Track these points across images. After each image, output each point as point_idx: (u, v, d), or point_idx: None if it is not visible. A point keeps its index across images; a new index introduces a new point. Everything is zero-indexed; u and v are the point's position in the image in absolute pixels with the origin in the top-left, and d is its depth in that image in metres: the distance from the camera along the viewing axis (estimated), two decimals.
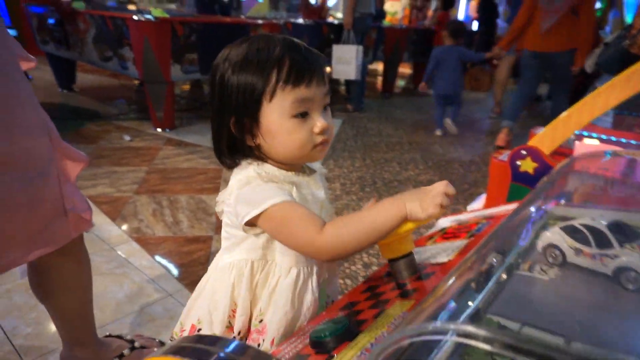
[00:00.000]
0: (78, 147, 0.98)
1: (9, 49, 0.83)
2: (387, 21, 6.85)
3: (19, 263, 0.87)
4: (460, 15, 10.54)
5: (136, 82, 5.24)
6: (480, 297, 0.55)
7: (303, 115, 0.66)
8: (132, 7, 5.01)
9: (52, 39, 4.30)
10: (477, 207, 1.46)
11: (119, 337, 1.29)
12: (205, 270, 0.82)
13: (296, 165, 0.75)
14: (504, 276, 0.61)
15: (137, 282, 1.63)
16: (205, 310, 0.74)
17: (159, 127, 3.60)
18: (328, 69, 4.71)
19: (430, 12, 8.06)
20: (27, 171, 0.83)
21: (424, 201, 0.59)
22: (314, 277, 0.74)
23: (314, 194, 0.74)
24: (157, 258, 1.79)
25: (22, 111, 0.82)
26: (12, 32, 3.01)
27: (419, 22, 7.39)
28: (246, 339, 0.74)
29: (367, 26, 4.50)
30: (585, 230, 0.63)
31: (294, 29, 4.49)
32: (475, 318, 0.51)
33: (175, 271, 1.71)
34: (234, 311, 0.73)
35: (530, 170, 1.32)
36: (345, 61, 4.47)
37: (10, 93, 0.81)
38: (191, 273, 1.69)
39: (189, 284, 1.62)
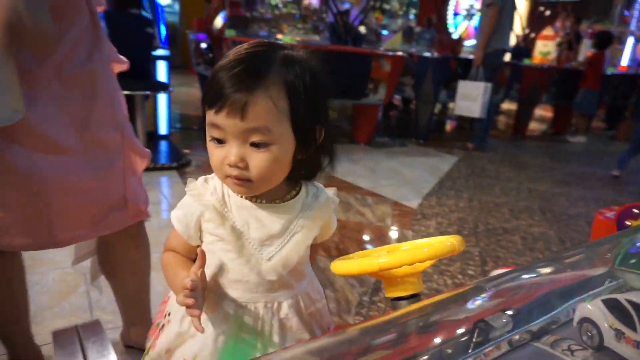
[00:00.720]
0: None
1: (102, 53, 0.96)
2: (536, 61, 6.36)
3: (81, 240, 0.98)
4: (625, 58, 9.28)
5: None
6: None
7: (219, 142, 0.59)
8: (280, 36, 5.52)
9: (203, 61, 4.95)
10: None
11: None
12: None
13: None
14: (511, 345, 0.49)
15: None
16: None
17: None
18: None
19: (588, 53, 7.26)
20: (95, 161, 0.93)
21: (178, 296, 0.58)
22: (233, 305, 0.66)
23: (259, 223, 0.64)
24: None
25: (101, 107, 0.94)
26: (165, 52, 3.46)
27: (568, 62, 6.71)
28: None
29: (499, 63, 4.24)
30: (630, 308, 0.48)
31: (419, 61, 4.45)
32: None
33: None
34: None
35: None
36: (470, 98, 4.26)
37: (94, 91, 0.93)
38: None
39: None
